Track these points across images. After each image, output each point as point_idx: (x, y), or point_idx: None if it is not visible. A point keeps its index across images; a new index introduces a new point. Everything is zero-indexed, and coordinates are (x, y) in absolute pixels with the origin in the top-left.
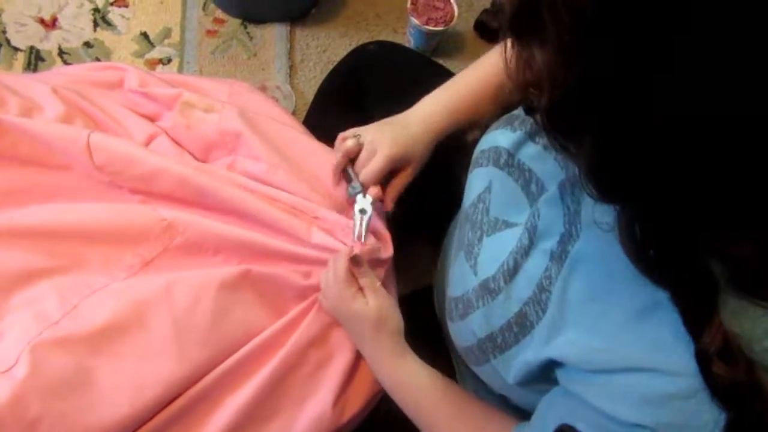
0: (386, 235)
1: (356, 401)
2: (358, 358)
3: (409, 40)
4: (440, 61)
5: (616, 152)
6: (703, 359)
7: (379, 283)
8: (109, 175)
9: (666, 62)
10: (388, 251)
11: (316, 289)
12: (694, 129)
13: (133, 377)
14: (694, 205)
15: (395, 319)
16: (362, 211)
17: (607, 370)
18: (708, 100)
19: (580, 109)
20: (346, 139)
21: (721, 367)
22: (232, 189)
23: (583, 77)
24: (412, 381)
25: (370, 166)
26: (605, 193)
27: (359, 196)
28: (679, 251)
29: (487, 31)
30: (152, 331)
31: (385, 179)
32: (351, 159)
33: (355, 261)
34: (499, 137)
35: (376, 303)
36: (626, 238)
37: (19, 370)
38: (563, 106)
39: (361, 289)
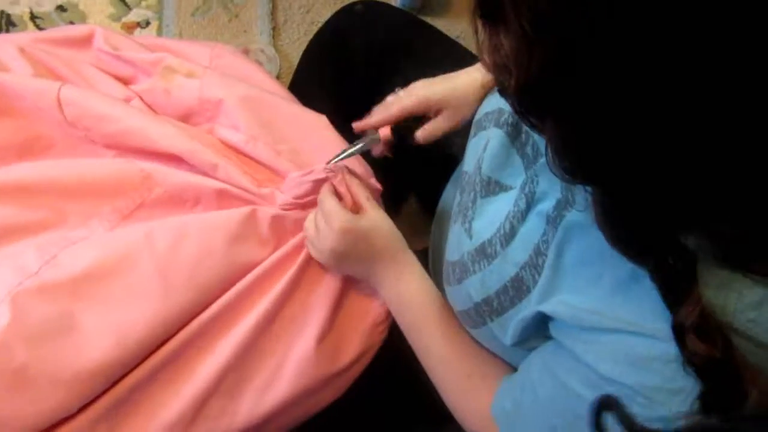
0: (364, 172)
1: (351, 341)
2: (343, 294)
3: None
4: (427, 20)
5: (576, 137)
6: (678, 333)
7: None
8: (83, 130)
9: (618, 55)
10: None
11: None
12: (649, 117)
13: (118, 319)
14: (659, 189)
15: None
16: (355, 145)
17: (596, 328)
18: (666, 84)
19: (543, 95)
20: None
21: (695, 342)
22: (205, 154)
23: (543, 65)
24: (417, 297)
25: (395, 104)
26: (569, 174)
27: (370, 131)
28: (650, 230)
29: None
30: (135, 274)
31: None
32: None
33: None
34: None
35: (381, 213)
36: (597, 217)
37: (0, 320)
38: (528, 90)
39: (357, 211)
